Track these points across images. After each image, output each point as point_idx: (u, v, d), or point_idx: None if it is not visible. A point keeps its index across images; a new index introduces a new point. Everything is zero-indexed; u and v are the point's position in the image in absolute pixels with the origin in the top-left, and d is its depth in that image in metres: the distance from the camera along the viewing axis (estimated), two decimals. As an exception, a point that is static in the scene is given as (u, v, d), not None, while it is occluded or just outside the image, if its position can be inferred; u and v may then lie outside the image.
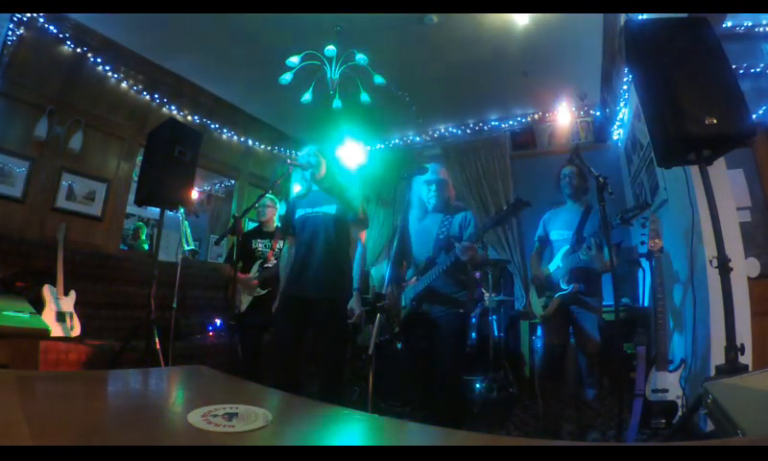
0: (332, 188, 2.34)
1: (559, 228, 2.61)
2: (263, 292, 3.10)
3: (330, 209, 2.29)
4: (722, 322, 1.69)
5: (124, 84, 3.98)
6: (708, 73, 1.68)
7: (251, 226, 3.87)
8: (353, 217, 2.29)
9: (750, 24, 2.97)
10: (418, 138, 5.56)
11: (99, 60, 3.75)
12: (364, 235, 2.37)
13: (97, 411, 0.74)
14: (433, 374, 2.10)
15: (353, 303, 2.24)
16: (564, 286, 2.44)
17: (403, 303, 2.19)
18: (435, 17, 3.30)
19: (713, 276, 1.87)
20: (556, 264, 2.54)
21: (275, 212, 3.39)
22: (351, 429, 0.76)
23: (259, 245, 3.25)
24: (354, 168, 5.22)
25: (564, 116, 4.51)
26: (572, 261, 2.44)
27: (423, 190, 2.23)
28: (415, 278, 2.19)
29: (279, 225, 3.37)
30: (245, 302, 3.11)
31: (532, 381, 3.46)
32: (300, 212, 2.35)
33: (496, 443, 0.66)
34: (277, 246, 3.22)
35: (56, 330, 2.75)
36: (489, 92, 4.53)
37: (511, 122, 5.06)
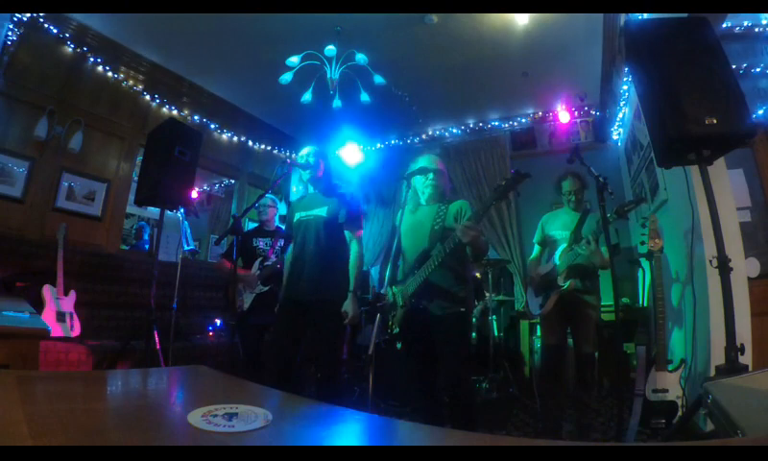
0: (328, 189, 2.34)
1: (557, 228, 2.62)
2: (265, 289, 3.11)
3: (322, 212, 2.28)
4: (722, 322, 1.69)
5: (124, 85, 3.98)
6: (708, 73, 1.68)
7: (251, 226, 3.87)
8: (345, 218, 2.27)
9: (750, 24, 2.97)
10: (417, 138, 5.55)
11: (99, 60, 3.75)
12: (360, 236, 2.35)
13: (97, 411, 0.74)
14: (436, 376, 2.07)
15: (347, 306, 2.15)
16: (561, 283, 2.44)
17: (401, 303, 2.12)
18: (435, 17, 3.30)
19: (713, 276, 1.87)
20: (553, 262, 2.55)
21: (275, 212, 3.40)
22: (351, 429, 0.76)
23: (260, 243, 3.26)
24: (354, 168, 5.22)
25: (564, 116, 4.51)
26: (570, 258, 2.44)
27: (420, 181, 2.19)
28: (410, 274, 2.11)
29: (280, 225, 3.39)
30: (247, 300, 3.12)
31: (531, 381, 3.46)
32: (297, 215, 2.36)
33: (496, 443, 0.66)
34: (278, 244, 3.23)
35: (56, 330, 2.75)
36: (489, 92, 4.52)
37: (511, 122, 5.06)
